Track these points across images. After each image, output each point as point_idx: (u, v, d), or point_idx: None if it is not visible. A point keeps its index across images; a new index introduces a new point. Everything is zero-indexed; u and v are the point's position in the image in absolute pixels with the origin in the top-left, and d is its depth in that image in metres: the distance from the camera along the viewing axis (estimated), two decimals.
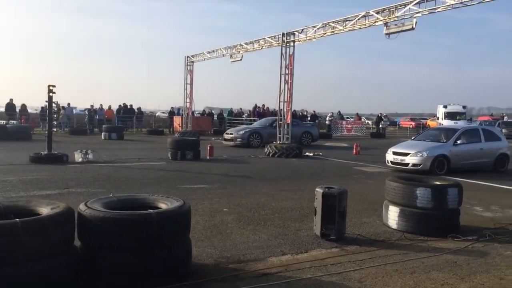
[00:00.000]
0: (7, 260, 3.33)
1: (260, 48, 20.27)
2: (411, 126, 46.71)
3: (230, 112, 34.47)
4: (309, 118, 33.27)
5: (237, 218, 6.77)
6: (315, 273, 4.53)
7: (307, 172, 12.77)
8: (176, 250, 4.11)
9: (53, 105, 13.38)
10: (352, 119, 35.81)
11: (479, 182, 11.25)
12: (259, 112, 31.14)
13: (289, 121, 17.65)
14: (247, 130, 21.36)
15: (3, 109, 29.98)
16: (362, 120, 43.51)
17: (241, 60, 21.97)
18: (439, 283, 4.37)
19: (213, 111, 38.75)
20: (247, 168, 13.05)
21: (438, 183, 6.51)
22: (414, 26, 13.10)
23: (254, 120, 28.87)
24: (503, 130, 28.61)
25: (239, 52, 21.85)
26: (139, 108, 32.95)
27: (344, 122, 33.89)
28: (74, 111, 32.97)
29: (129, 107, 31.79)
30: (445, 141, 13.43)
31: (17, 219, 3.43)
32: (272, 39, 18.95)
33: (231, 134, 21.26)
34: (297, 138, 21.43)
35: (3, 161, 12.55)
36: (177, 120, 30.31)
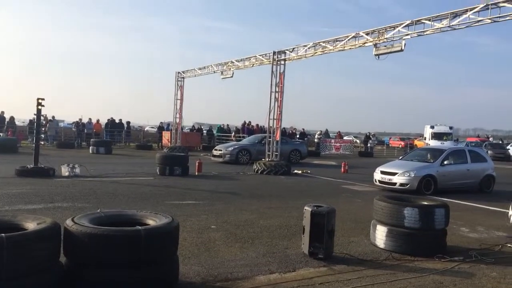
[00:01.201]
0: None
1: (251, 65, 20.43)
2: (400, 146, 47.01)
3: (220, 128, 34.49)
4: (298, 136, 33.42)
5: (225, 236, 6.73)
6: None
7: (295, 190, 12.78)
8: (164, 267, 4.08)
9: (41, 118, 13.28)
10: (333, 138, 35.82)
11: (465, 203, 11.36)
12: (248, 129, 31.21)
13: (278, 138, 17.72)
14: (236, 146, 21.38)
15: None
16: (351, 139, 43.83)
17: (232, 77, 22.09)
18: None
19: (202, 127, 38.72)
20: (235, 185, 13.02)
21: (425, 203, 6.57)
22: (403, 48, 13.34)
23: (243, 137, 28.93)
24: (489, 152, 29.08)
25: (230, 69, 21.97)
26: (128, 122, 32.83)
27: (332, 141, 34.06)
28: (62, 125, 32.71)
29: (117, 121, 31.64)
30: (432, 161, 13.57)
31: (2, 234, 3.37)
32: (263, 57, 19.13)
33: (220, 150, 21.26)
34: (286, 155, 21.48)
35: None
36: (166, 135, 30.21)
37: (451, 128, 36.56)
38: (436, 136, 35.02)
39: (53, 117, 30.37)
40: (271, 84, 17.49)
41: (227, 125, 36.53)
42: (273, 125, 17.68)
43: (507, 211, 9.17)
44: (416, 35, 13.18)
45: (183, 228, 6.63)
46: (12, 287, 3.33)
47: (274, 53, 17.77)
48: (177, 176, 14.08)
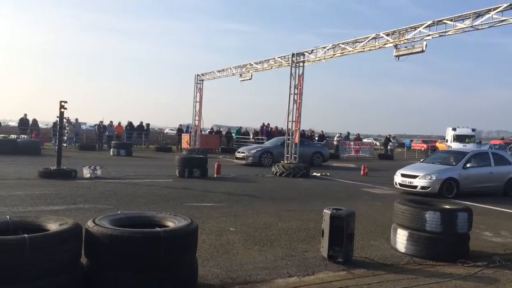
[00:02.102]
0: (13, 277, 3.31)
1: (269, 67, 20.45)
2: (423, 148, 46.04)
3: (238, 131, 34.57)
4: (316, 138, 33.25)
5: (244, 238, 6.73)
6: None
7: (314, 192, 12.71)
8: (183, 269, 4.09)
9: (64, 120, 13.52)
10: (352, 141, 35.58)
11: (488, 207, 11.11)
12: (267, 131, 31.20)
13: (297, 140, 17.66)
14: (259, 149, 21.48)
15: (16, 124, 30.39)
16: (370, 141, 43.39)
17: (250, 79, 22.14)
18: None
19: (221, 129, 38.88)
20: (254, 187, 13.02)
21: (447, 207, 6.45)
22: (424, 49, 13.17)
23: (262, 139, 28.93)
24: None
25: (248, 71, 22.03)
26: (147, 124, 33.20)
27: (351, 143, 33.77)
28: (84, 127, 33.20)
29: (137, 124, 32.01)
30: (454, 164, 13.33)
31: (25, 235, 3.43)
32: (282, 59, 19.12)
33: (242, 153, 21.39)
34: (308, 158, 21.47)
35: (12, 176, 12.64)
36: (185, 138, 30.43)
37: (473, 130, 35.80)
38: (458, 138, 34.33)
39: (77, 119, 30.93)
40: (290, 86, 17.47)
41: (245, 128, 36.63)
42: (292, 127, 17.63)
43: None
44: (437, 35, 12.99)
45: (202, 230, 6.65)
46: (34, 287, 3.37)
47: (293, 55, 17.73)
48: (196, 178, 14.16)
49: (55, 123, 24.59)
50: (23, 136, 25.99)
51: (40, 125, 31.46)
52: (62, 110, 12.88)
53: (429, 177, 12.54)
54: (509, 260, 6.02)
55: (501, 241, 7.42)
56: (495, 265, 5.81)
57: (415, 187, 12.69)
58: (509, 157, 15.10)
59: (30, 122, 28.09)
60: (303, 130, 28.35)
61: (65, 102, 12.87)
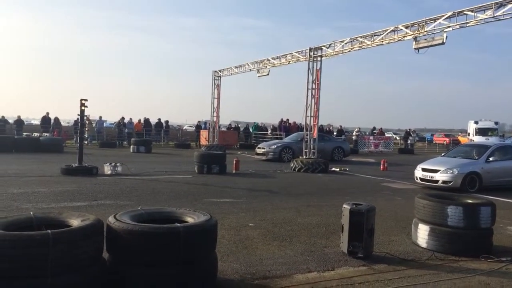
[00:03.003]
0: (37, 272, 3.37)
1: (287, 63, 20.36)
2: (445, 142, 45.18)
3: (256, 127, 34.57)
4: (335, 133, 33.02)
5: (263, 234, 6.73)
6: None
7: (333, 187, 12.63)
8: (203, 264, 4.12)
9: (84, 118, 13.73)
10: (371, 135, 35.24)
11: None
12: (285, 127, 31.12)
13: (315, 135, 17.57)
14: (279, 145, 21.50)
15: (38, 122, 30.99)
16: (390, 135, 42.87)
17: (268, 74, 22.09)
18: None
19: (239, 125, 38.92)
20: (272, 183, 13.01)
21: (470, 201, 6.34)
22: (444, 41, 12.92)
23: (280, 135, 28.88)
24: None
25: (266, 67, 21.98)
26: (166, 121, 33.50)
27: (371, 138, 33.43)
28: (105, 125, 33.66)
29: (156, 121, 32.34)
30: (476, 158, 13.09)
31: (49, 231, 3.50)
32: (299, 54, 19.02)
33: (263, 148, 21.48)
34: (329, 153, 21.40)
35: (35, 173, 12.91)
36: (203, 134, 30.59)
37: (496, 123, 35.05)
38: (481, 131, 33.66)
39: (100, 117, 31.39)
40: (308, 81, 17.36)
41: (263, 123, 36.59)
42: (310, 123, 17.54)
43: None
44: (458, 27, 12.72)
45: (221, 225, 6.68)
46: (57, 283, 3.44)
47: (310, 49, 17.61)
48: (215, 174, 14.22)
49: (76, 121, 25.03)
50: (45, 134, 26.54)
51: (62, 123, 32.01)
52: (83, 108, 13.07)
53: (451, 171, 12.34)
54: None
55: None
56: None
57: (437, 181, 12.50)
58: None
59: (52, 121, 28.61)
60: (321, 125, 28.17)
61: (86, 100, 13.06)
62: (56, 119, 29.29)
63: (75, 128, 25.68)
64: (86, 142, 22.70)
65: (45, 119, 28.51)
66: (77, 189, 10.29)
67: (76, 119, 23.36)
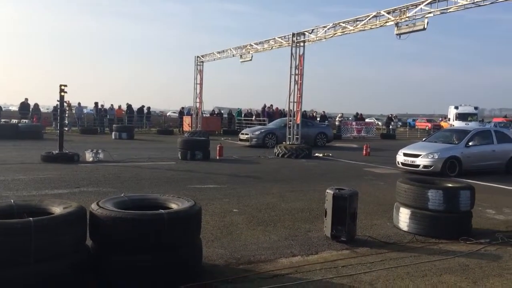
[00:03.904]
0: (20, 260, 3.33)
1: (270, 48, 20.27)
2: (427, 128, 45.71)
3: (240, 113, 34.51)
4: (318, 119, 33.17)
5: (247, 219, 6.77)
6: (325, 275, 4.51)
7: (316, 173, 12.73)
8: (187, 250, 4.12)
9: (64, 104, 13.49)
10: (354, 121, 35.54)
11: (491, 185, 11.13)
12: (268, 113, 31.12)
13: (298, 121, 17.62)
14: (262, 130, 21.51)
15: (17, 109, 30.34)
16: (372, 121, 43.25)
17: (251, 60, 21.98)
18: (451, 286, 4.33)
19: (222, 111, 38.76)
20: (256, 169, 13.05)
21: (450, 185, 6.46)
22: (425, 27, 13.01)
23: (264, 121, 28.89)
24: None
25: (249, 52, 21.85)
26: (148, 108, 33.17)
27: (354, 123, 33.70)
28: (85, 111, 33.14)
29: (135, 108, 32.03)
30: (456, 142, 13.31)
31: (31, 218, 3.44)
32: (282, 39, 18.93)
33: (246, 134, 21.46)
34: (312, 138, 21.52)
35: (15, 160, 12.68)
36: (186, 120, 30.40)
37: (476, 108, 35.68)
38: (461, 117, 34.25)
39: (79, 103, 30.86)
40: (291, 67, 17.33)
41: (250, 109, 36.52)
42: (293, 108, 17.57)
43: None
44: (439, 12, 12.80)
45: (206, 211, 6.69)
46: (40, 270, 3.40)
47: (293, 35, 17.54)
48: (199, 161, 14.18)
49: (55, 107, 24.58)
50: (24, 120, 25.99)
51: (41, 109, 31.40)
52: (62, 94, 12.82)
53: (432, 156, 12.54)
54: None
55: (504, 219, 7.45)
56: (498, 242, 5.85)
57: (418, 166, 12.71)
58: (511, 135, 15.07)
59: (31, 107, 28.04)
60: (304, 111, 28.24)
61: (65, 85, 12.81)
62: (36, 105, 28.72)
63: (55, 115, 25.24)
64: (66, 129, 22.33)
65: (24, 105, 27.93)
66: (58, 176, 10.15)
67: (55, 105, 22.97)
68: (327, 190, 5.80)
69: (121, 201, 4.38)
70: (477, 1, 11.84)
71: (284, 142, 17.71)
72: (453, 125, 31.30)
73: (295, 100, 17.45)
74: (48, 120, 29.06)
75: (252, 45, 21.46)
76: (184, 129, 30.19)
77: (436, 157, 12.47)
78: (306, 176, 12.03)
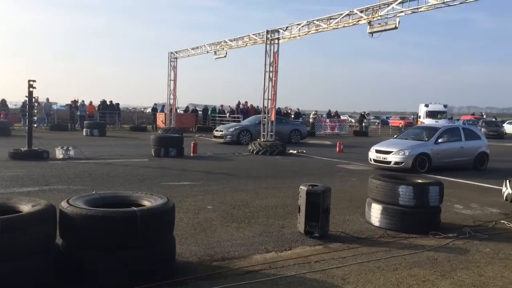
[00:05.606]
0: None
1: (244, 45, 20.22)
2: (400, 125, 46.55)
3: (214, 109, 34.36)
4: (292, 116, 33.35)
5: (221, 216, 6.76)
6: (299, 270, 4.55)
7: (290, 169, 12.81)
8: (160, 248, 4.08)
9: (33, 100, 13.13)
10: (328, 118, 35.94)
11: (459, 180, 11.45)
12: (242, 110, 31.10)
13: (273, 118, 17.68)
14: (237, 127, 21.47)
15: None
16: (345, 118, 43.78)
17: (225, 57, 21.89)
18: (420, 279, 4.44)
19: (196, 108, 38.50)
20: (231, 166, 13.03)
21: (419, 181, 6.61)
22: (397, 25, 13.22)
23: (238, 118, 28.86)
24: (483, 129, 29.24)
25: (223, 48, 21.75)
26: (117, 104, 32.53)
27: (327, 120, 34.06)
28: (55, 107, 32.33)
29: (108, 103, 31.35)
30: (426, 139, 13.62)
31: None
32: (256, 36, 18.92)
33: (221, 131, 21.43)
34: (286, 135, 21.64)
35: None
36: (160, 117, 30.06)
37: (445, 106, 36.55)
38: (431, 114, 35.04)
39: (47, 99, 30.05)
40: (265, 64, 17.36)
41: (221, 106, 36.37)
42: (267, 105, 17.61)
43: (501, 188, 9.28)
44: (410, 12, 13.03)
45: (179, 208, 6.65)
46: (8, 269, 3.32)
47: (267, 32, 17.57)
48: (172, 158, 14.06)
49: (24, 103, 23.91)
50: None
51: (9, 105, 30.47)
52: (31, 89, 12.48)
53: (402, 152, 12.79)
54: (479, 231, 6.26)
55: (471, 213, 7.67)
56: (465, 236, 6.02)
57: (389, 162, 12.94)
58: (479, 132, 15.54)
59: None
60: (279, 108, 28.34)
61: (34, 81, 12.48)
62: (3, 101, 27.89)
63: (23, 111, 24.54)
64: (35, 125, 21.77)
65: None
66: (27, 173, 9.89)
67: (24, 101, 22.33)
68: (301, 187, 5.85)
69: (92, 198, 4.30)
70: (447, 1, 12.11)
71: (258, 139, 17.75)
72: (424, 123, 31.98)
73: (270, 97, 17.50)
74: (16, 116, 28.25)
75: (226, 42, 21.38)
76: (157, 126, 29.85)
77: (407, 153, 12.73)
78: (280, 172, 12.09)
